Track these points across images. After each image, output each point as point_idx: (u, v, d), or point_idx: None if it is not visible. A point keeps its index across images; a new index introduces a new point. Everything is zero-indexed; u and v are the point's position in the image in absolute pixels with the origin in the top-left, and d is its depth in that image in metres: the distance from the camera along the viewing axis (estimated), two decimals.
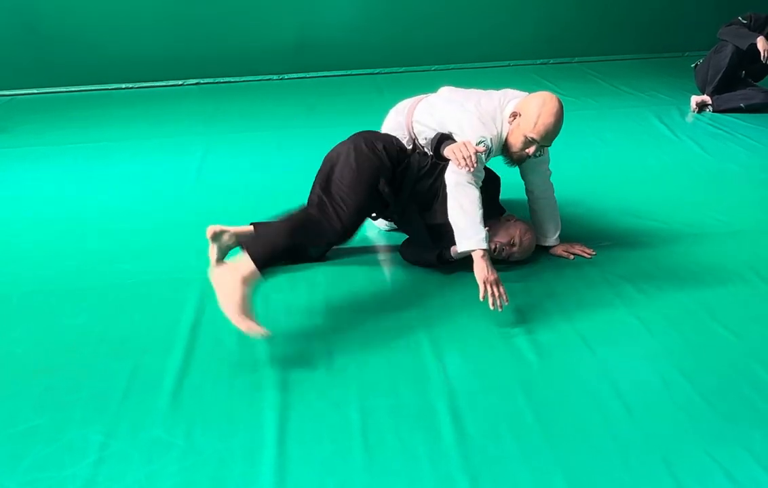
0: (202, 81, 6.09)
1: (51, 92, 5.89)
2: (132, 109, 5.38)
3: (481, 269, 2.39)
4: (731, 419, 1.98)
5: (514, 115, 2.57)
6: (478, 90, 2.87)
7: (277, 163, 4.07)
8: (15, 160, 4.26)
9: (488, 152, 2.55)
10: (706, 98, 4.93)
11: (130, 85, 6.01)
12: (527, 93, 2.68)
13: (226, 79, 6.12)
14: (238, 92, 5.84)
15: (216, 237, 2.65)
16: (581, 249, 2.90)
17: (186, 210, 3.46)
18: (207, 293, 2.64)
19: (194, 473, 1.81)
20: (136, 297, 2.65)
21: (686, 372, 2.17)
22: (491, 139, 2.55)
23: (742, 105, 4.83)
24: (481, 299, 2.37)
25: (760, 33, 4.69)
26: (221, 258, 2.68)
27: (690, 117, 4.82)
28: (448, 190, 2.52)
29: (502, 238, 2.68)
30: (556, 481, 1.77)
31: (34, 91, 5.91)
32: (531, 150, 2.55)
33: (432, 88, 3.09)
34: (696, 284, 2.69)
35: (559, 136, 2.60)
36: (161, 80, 6.05)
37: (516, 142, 2.57)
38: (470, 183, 2.48)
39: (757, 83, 5.05)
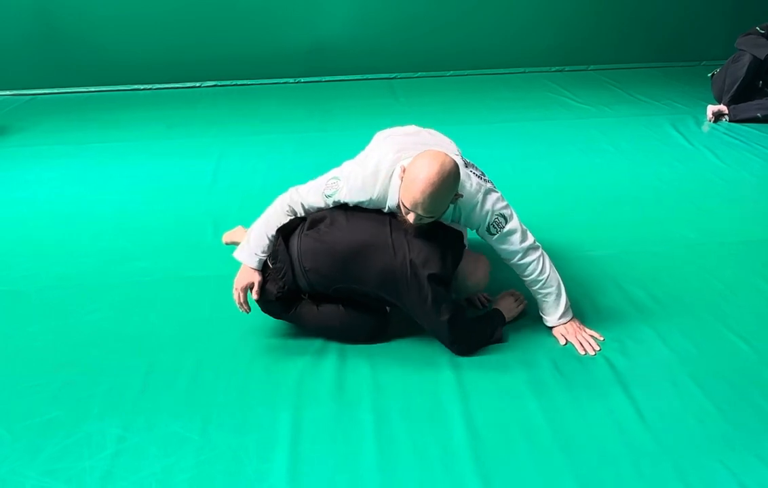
0: (218, 83, 6.15)
1: (70, 92, 5.97)
2: (149, 110, 5.44)
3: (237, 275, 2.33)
4: (743, 427, 1.98)
5: (403, 171, 2.12)
6: (424, 137, 2.48)
7: (292, 166, 4.09)
8: (34, 159, 4.32)
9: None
10: (723, 108, 4.91)
11: (148, 87, 6.08)
12: (450, 141, 2.43)
13: (242, 82, 6.17)
14: (254, 95, 5.88)
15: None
16: (588, 339, 2.36)
17: (202, 210, 3.50)
18: (222, 291, 2.68)
19: (209, 467, 1.84)
20: (153, 294, 2.69)
21: (698, 379, 2.17)
22: (375, 197, 2.20)
23: (759, 115, 4.81)
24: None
25: None
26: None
27: (706, 126, 4.80)
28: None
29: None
30: (568, 486, 1.78)
31: (54, 90, 5.98)
32: (411, 217, 2.09)
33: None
34: (709, 292, 2.68)
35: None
36: (178, 82, 6.11)
37: (401, 205, 2.12)
38: (281, 207, 2.37)
39: None
